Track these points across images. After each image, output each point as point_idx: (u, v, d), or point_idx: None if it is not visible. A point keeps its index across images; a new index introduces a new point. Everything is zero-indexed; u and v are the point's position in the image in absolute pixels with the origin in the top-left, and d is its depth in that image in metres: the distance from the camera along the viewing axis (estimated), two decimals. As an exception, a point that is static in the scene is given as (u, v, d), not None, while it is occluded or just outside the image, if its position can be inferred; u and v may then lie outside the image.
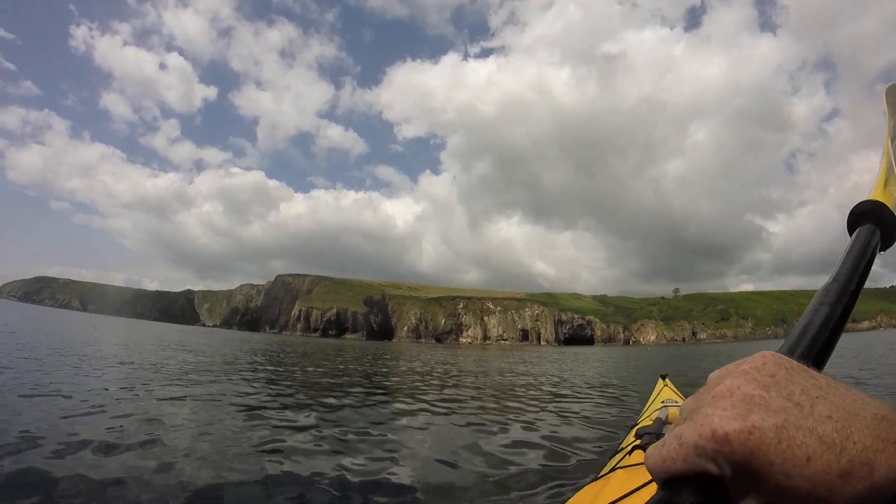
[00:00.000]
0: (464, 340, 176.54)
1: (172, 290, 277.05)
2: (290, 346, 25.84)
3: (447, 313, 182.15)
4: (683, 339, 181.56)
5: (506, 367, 14.23)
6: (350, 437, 3.51)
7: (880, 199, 0.54)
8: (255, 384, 6.48)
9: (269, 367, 9.76)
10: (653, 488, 0.65)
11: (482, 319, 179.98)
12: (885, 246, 0.52)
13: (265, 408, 4.57)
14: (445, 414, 4.81)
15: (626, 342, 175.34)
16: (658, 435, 1.32)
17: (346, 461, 2.83)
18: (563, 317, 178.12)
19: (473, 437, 3.61)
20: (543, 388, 7.91)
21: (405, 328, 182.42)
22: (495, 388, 7.59)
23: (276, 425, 3.73)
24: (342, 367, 11.53)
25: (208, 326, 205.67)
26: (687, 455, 0.26)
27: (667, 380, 2.73)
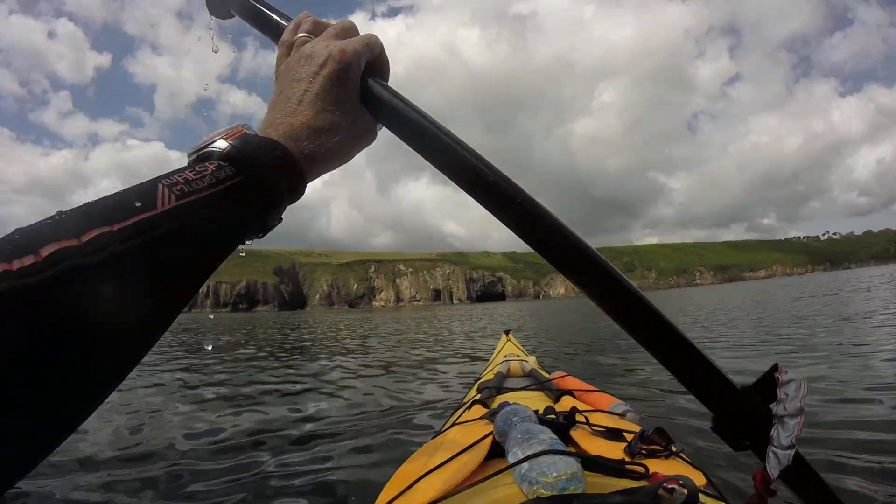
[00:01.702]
0: (377, 304, 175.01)
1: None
2: (196, 324, 22.59)
3: (359, 278, 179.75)
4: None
5: (403, 328, 13.80)
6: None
7: None
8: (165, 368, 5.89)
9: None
10: (484, 446, 0.72)
11: (394, 282, 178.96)
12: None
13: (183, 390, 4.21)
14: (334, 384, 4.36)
15: (537, 296, 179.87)
16: (498, 388, 1.35)
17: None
18: (475, 275, 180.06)
19: (344, 400, 3.54)
20: (426, 348, 7.68)
21: (317, 296, 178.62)
22: (382, 353, 7.26)
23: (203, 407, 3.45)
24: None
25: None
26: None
27: (510, 335, 2.67)
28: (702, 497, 0.49)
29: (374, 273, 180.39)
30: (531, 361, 1.89)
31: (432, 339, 9.54)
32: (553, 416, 0.81)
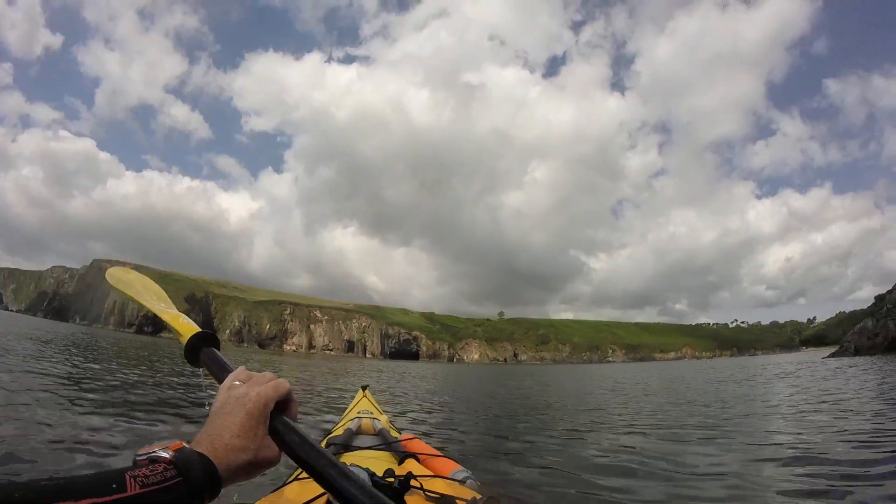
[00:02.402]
0: (288, 348, 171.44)
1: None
2: (98, 341, 23.64)
3: (273, 318, 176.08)
4: (505, 360, 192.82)
5: (308, 378, 13.99)
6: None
7: None
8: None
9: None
10: (320, 503, 0.75)
11: (308, 327, 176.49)
12: None
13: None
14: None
15: (451, 359, 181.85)
16: (345, 446, 1.37)
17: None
18: (391, 330, 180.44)
19: None
20: (320, 395, 7.88)
21: (227, 330, 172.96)
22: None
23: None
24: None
25: (10, 311, 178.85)
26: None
27: (367, 391, 2.64)
28: None
29: (288, 315, 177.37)
30: (383, 420, 1.93)
31: (325, 389, 9.87)
32: (391, 480, 0.82)
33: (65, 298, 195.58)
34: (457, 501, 0.83)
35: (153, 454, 0.46)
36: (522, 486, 2.68)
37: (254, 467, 0.51)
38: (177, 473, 0.44)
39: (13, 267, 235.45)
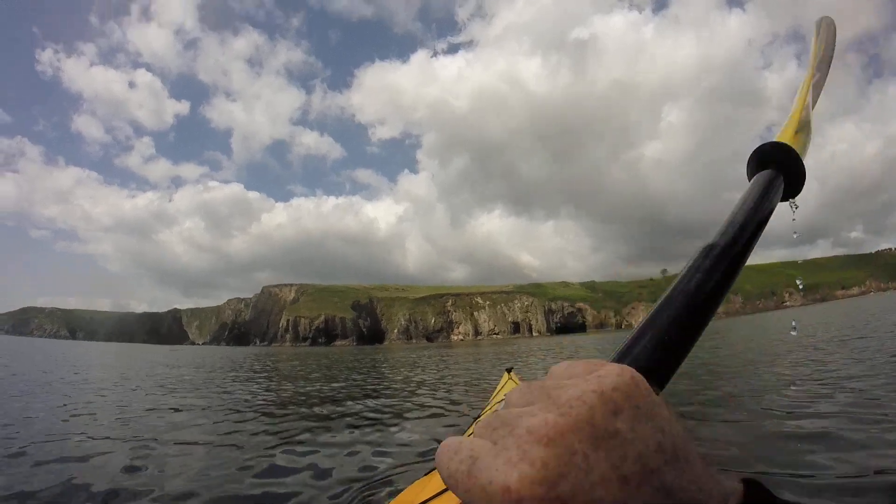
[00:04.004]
0: (455, 338, 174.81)
1: (159, 311, 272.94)
2: (276, 357, 25.49)
3: (436, 312, 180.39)
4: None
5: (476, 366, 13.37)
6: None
7: (788, 143, 0.48)
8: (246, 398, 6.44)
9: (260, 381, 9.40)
10: None
11: (472, 315, 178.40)
12: (787, 196, 0.48)
13: (259, 419, 4.58)
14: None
15: (619, 326, 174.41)
16: None
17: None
18: (553, 306, 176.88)
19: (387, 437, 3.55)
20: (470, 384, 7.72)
21: (395, 330, 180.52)
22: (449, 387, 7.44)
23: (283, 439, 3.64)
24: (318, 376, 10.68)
25: (197, 344, 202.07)
26: (470, 490, 0.21)
27: (512, 373, 2.61)
28: None
29: (451, 306, 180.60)
30: None
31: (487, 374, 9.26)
32: None
33: (243, 325, 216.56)
34: None
35: None
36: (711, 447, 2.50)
37: None
38: None
39: (193, 306, 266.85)
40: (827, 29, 0.77)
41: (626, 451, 0.20)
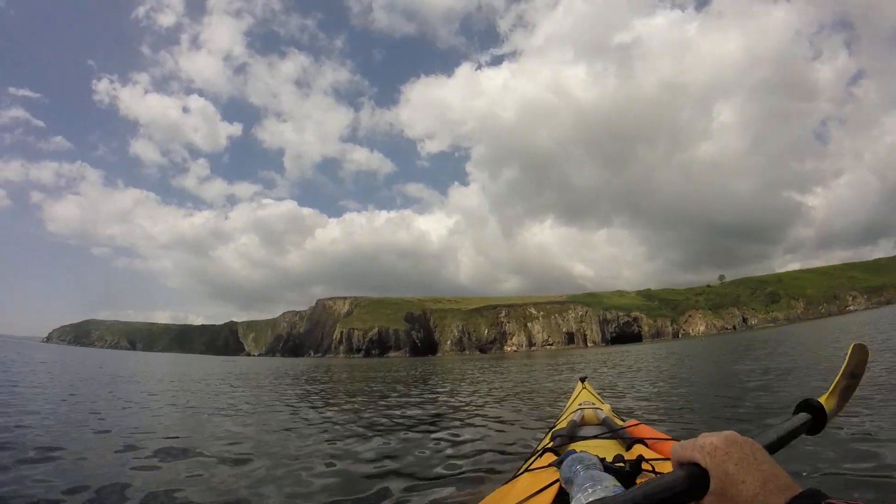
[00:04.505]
0: (508, 349, 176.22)
1: (217, 324, 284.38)
2: (331, 368, 26.94)
3: (489, 323, 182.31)
4: (734, 328, 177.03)
5: (528, 378, 13.41)
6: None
7: (823, 404, 0.78)
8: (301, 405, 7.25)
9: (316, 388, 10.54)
10: (550, 493, 0.78)
11: (525, 326, 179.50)
12: (810, 432, 0.76)
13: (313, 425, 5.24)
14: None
15: (675, 335, 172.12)
16: (571, 437, 1.37)
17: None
18: (608, 315, 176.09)
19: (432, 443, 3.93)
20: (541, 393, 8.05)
21: (448, 342, 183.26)
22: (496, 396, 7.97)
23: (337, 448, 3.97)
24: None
25: (253, 356, 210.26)
26: (694, 449, 0.57)
27: (586, 382, 2.76)
28: None
29: (504, 317, 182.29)
30: (605, 409, 1.83)
31: (546, 383, 9.55)
32: (621, 465, 0.82)
33: (298, 337, 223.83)
34: None
35: None
36: None
37: None
38: None
39: (249, 319, 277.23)
40: (858, 355, 0.91)
41: (746, 452, 0.57)
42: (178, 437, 4.30)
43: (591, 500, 0.56)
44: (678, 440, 1.15)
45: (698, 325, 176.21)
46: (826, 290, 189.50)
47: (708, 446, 0.56)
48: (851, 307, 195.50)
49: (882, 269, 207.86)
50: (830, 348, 11.80)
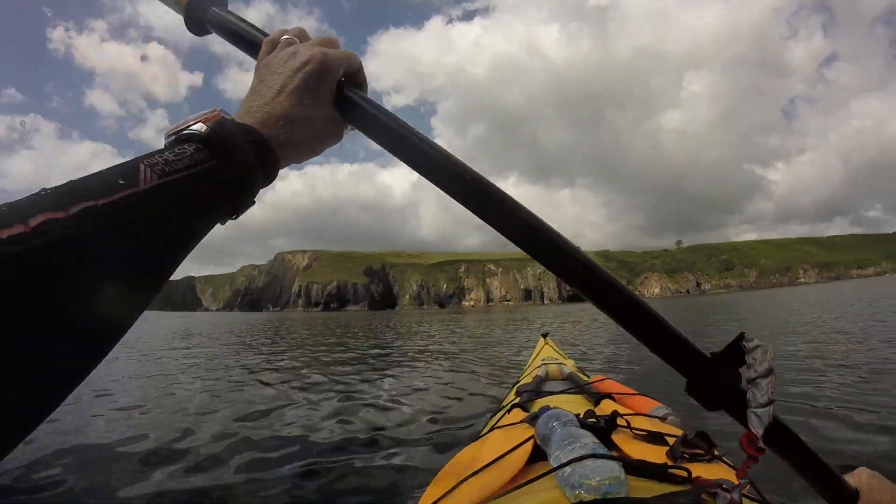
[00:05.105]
0: (467, 304, 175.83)
1: (174, 279, 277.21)
2: (287, 323, 25.93)
3: (449, 278, 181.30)
4: (688, 291, 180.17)
5: (488, 332, 13.21)
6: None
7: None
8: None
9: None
10: (525, 449, 0.73)
11: (484, 281, 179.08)
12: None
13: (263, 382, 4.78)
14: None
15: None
16: (537, 392, 1.36)
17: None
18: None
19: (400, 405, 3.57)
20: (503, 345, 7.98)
21: (407, 296, 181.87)
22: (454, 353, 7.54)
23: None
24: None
25: (211, 311, 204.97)
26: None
27: (548, 338, 2.65)
28: (745, 501, 0.50)
29: (464, 273, 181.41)
30: (569, 365, 1.82)
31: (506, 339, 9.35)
32: (594, 420, 0.82)
33: (256, 292, 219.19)
34: (665, 437, 0.82)
35: (183, 132, 0.32)
36: (726, 419, 2.20)
37: (316, 143, 0.41)
38: (211, 155, 0.31)
39: (207, 274, 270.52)
40: None
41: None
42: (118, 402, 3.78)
43: (571, 456, 0.55)
44: (646, 395, 1.21)
45: (653, 288, 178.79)
46: (780, 262, 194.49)
47: None
48: (802, 280, 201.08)
49: (836, 246, 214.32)
50: (778, 320, 11.41)
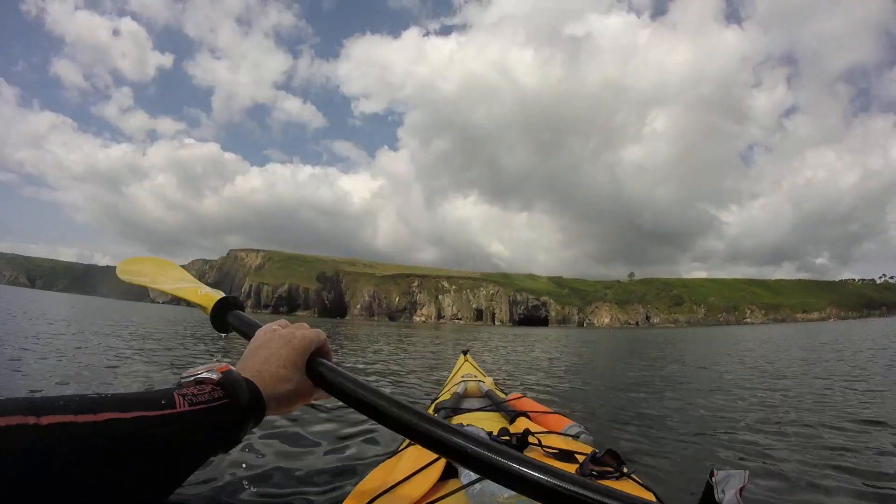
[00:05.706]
0: (418, 319, 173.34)
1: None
2: None
3: (402, 291, 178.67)
4: (637, 323, 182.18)
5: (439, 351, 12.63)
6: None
7: None
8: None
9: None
10: (437, 466, 0.76)
11: (437, 298, 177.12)
12: None
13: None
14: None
15: (581, 324, 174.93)
16: (454, 409, 1.40)
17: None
18: (518, 297, 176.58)
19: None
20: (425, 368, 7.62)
21: (358, 305, 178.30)
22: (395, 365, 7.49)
23: None
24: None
25: (158, 303, 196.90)
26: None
27: (468, 355, 2.70)
28: None
29: (417, 287, 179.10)
30: (488, 382, 1.85)
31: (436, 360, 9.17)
32: (507, 438, 0.84)
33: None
34: (576, 455, 0.83)
35: (199, 376, 0.45)
36: (637, 438, 2.63)
37: (293, 401, 0.54)
38: (223, 395, 0.44)
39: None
40: None
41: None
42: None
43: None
44: (561, 413, 1.27)
45: (604, 317, 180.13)
46: (728, 301, 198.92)
47: None
48: (749, 319, 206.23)
49: (782, 289, 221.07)
50: (723, 358, 11.24)
